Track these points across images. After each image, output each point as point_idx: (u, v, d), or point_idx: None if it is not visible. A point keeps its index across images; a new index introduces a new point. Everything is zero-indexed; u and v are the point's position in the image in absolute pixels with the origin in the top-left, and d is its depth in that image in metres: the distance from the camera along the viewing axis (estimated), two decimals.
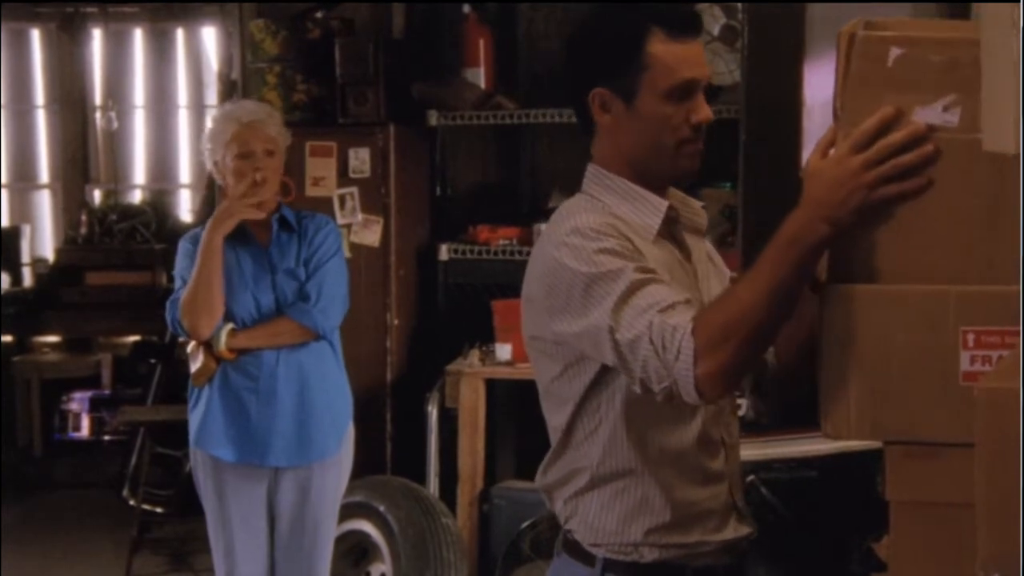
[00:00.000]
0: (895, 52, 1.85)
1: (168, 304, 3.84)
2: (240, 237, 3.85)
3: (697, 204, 2.33)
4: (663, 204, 2.19)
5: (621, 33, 2.13)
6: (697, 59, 2.14)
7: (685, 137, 2.14)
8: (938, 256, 1.88)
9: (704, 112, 2.15)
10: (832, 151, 1.90)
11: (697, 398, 1.98)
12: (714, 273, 2.34)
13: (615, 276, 2.03)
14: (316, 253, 3.86)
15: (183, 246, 3.90)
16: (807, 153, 4.53)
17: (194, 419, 3.90)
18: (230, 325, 3.79)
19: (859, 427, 1.91)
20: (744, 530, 2.25)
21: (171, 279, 4.06)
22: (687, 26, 2.13)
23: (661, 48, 2.10)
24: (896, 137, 1.84)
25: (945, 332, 1.85)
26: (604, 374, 2.13)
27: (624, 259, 2.05)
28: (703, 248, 2.33)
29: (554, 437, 2.24)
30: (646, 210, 2.18)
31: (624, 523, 2.15)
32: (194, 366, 3.84)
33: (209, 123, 3.95)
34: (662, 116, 2.12)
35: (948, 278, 1.87)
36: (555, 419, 2.23)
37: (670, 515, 2.15)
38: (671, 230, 2.23)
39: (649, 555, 2.16)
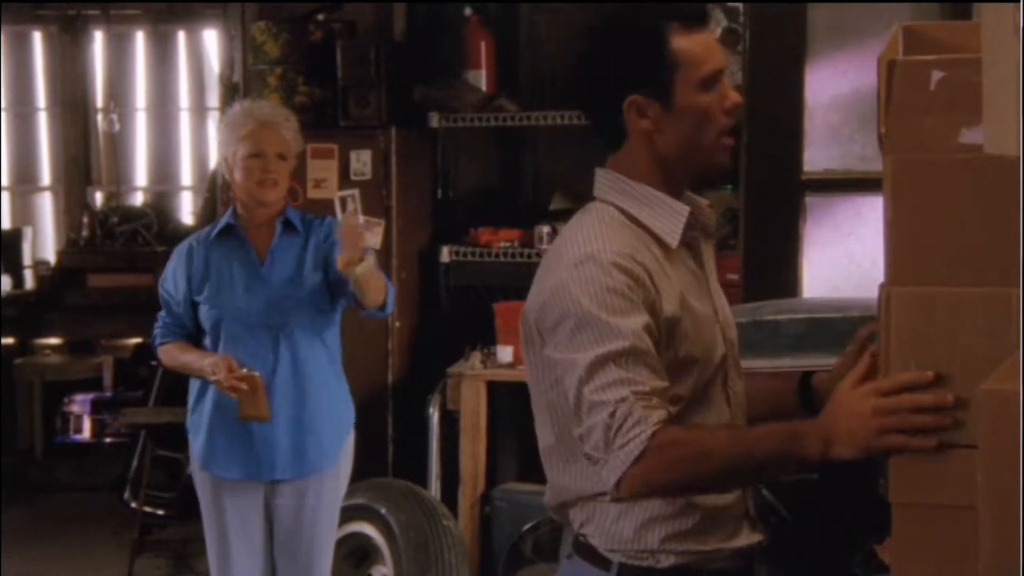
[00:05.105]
0: (937, 75, 1.83)
1: (155, 328, 3.89)
2: (238, 245, 3.85)
3: (704, 203, 2.30)
4: (684, 209, 2.15)
5: (644, 37, 2.10)
6: (715, 48, 2.14)
7: (723, 126, 2.13)
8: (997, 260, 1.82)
9: (733, 95, 2.14)
10: (866, 386, 1.91)
11: (612, 488, 2.01)
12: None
13: (614, 331, 1.99)
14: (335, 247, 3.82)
15: (175, 257, 3.90)
16: (808, 155, 4.56)
17: (196, 441, 3.89)
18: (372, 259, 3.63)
19: None
20: (756, 537, 2.25)
21: None
22: (699, 17, 2.14)
23: (684, 43, 2.09)
24: (922, 398, 1.85)
25: (1007, 335, 1.79)
26: None
27: (630, 312, 2.01)
28: (712, 252, 2.30)
29: (559, 446, 2.19)
30: (668, 215, 2.14)
31: (641, 531, 2.13)
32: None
33: (225, 117, 3.92)
34: (701, 108, 2.10)
35: (1010, 281, 1.81)
36: (546, 433, 2.20)
37: (688, 524, 2.14)
38: (688, 236, 2.19)
39: (665, 561, 2.14)
